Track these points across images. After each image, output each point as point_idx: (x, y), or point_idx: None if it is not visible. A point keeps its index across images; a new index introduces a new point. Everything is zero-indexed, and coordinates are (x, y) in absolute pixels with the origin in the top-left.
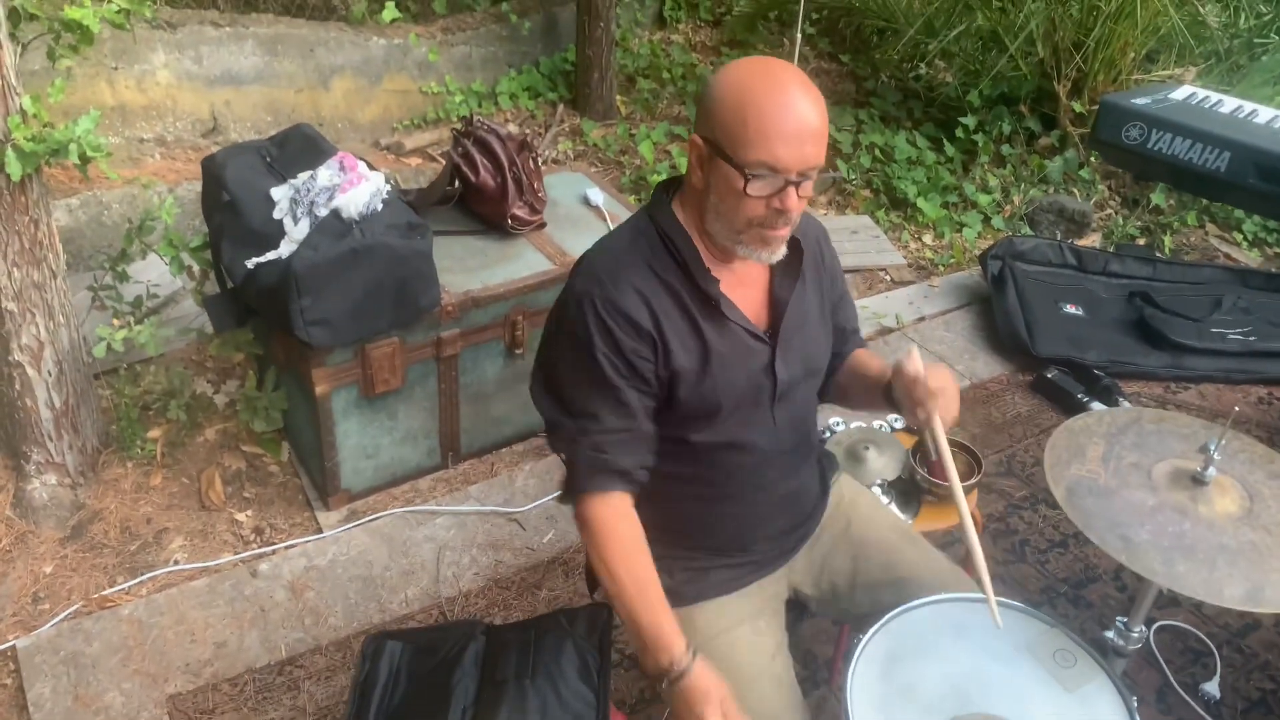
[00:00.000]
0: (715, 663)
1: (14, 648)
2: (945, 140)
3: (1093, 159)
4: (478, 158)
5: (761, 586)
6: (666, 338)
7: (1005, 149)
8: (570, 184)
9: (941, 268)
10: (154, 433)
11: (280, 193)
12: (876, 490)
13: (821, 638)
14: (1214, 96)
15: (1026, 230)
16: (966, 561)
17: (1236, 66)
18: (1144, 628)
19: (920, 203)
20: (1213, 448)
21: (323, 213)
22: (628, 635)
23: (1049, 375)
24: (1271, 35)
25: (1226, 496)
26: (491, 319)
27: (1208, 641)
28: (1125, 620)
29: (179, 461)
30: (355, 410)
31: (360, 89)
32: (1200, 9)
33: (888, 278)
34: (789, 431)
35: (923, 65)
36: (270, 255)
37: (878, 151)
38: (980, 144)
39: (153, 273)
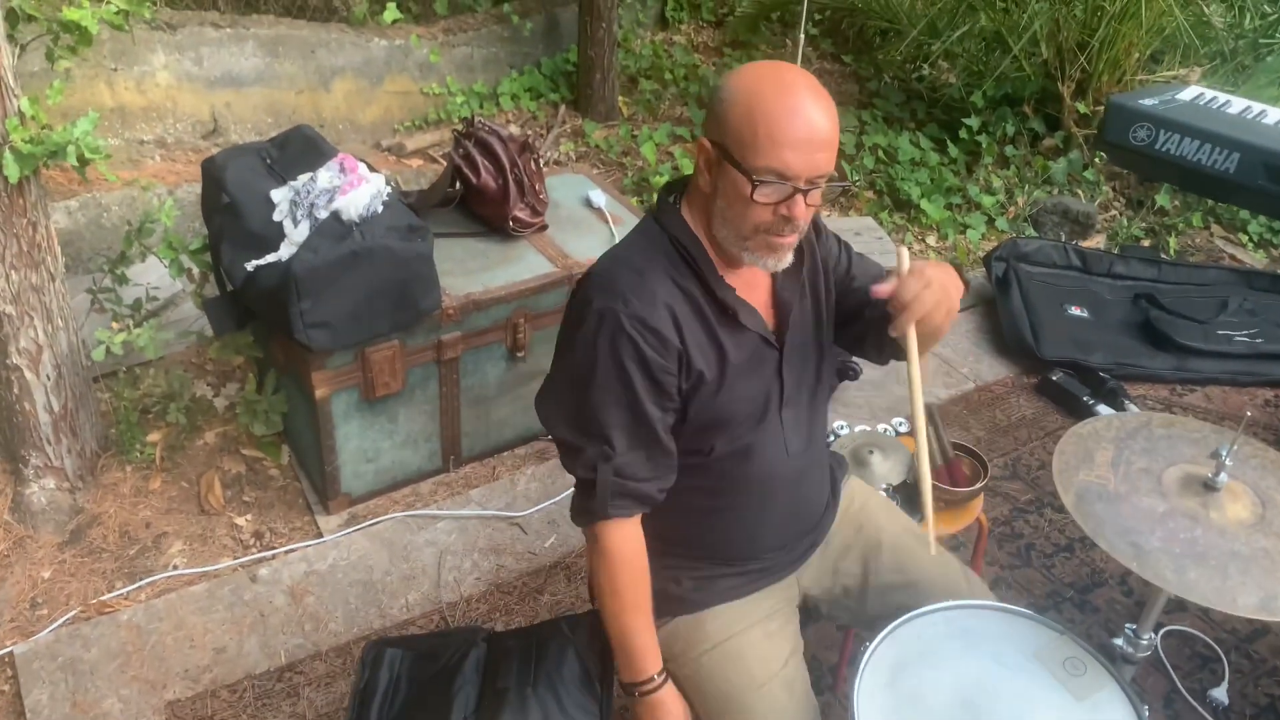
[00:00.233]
0: (725, 667)
1: (11, 654)
2: (949, 141)
3: (1097, 160)
4: (479, 159)
5: (772, 591)
6: (689, 349)
7: (1009, 150)
8: (572, 186)
9: None
10: (153, 436)
11: (280, 195)
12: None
13: (826, 643)
14: (1221, 97)
15: (1030, 232)
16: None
17: (1242, 67)
18: (1153, 634)
19: (924, 204)
20: (1224, 453)
21: (323, 215)
22: (613, 645)
23: (1054, 378)
24: (1277, 35)
25: (1238, 503)
26: (493, 322)
27: (1215, 647)
28: (1134, 627)
29: (178, 465)
30: (356, 413)
31: (361, 90)
32: (1205, 9)
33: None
34: (796, 437)
35: (926, 66)
36: (270, 258)
37: (881, 153)
38: (984, 145)
39: (152, 275)
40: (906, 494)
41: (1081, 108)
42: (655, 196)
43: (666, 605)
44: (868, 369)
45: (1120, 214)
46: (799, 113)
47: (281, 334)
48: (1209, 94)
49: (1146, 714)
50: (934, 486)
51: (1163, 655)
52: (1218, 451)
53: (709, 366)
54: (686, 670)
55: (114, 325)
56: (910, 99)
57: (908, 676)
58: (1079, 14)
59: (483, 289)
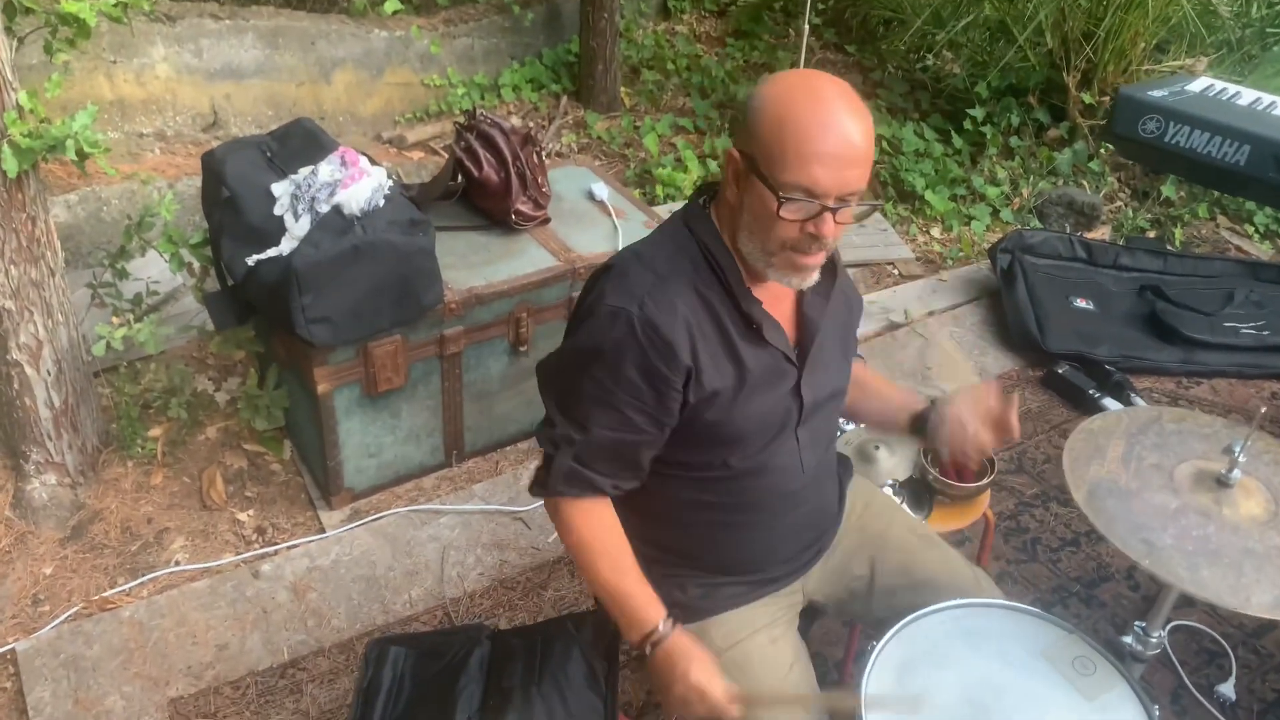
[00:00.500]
0: (731, 675)
1: (13, 651)
2: (953, 132)
3: (1102, 151)
4: (481, 152)
5: (776, 598)
6: (701, 364)
7: (1014, 141)
8: (575, 179)
9: (950, 261)
10: (154, 431)
11: (281, 188)
12: (887, 490)
13: (831, 639)
14: (1231, 88)
15: (1035, 223)
16: None
17: (1248, 57)
18: (1162, 632)
19: (928, 195)
20: (1238, 450)
21: (324, 209)
22: (610, 613)
23: (1060, 371)
24: None
25: (1251, 499)
26: (495, 316)
27: (1223, 642)
28: (1143, 624)
29: (180, 460)
30: (358, 409)
31: (362, 82)
32: None
33: (896, 272)
34: (812, 454)
35: (930, 56)
36: (271, 252)
37: (885, 144)
38: (988, 136)
39: (152, 270)
40: (912, 490)
41: (1087, 98)
42: (659, 189)
43: (670, 612)
44: (876, 366)
45: (1126, 205)
46: (831, 126)
47: (283, 329)
48: (1218, 85)
49: (1157, 714)
50: (939, 480)
51: (1170, 651)
52: (1231, 447)
53: (724, 381)
54: None
55: (114, 320)
56: (914, 89)
57: (915, 676)
58: (1084, 3)
59: (485, 283)
